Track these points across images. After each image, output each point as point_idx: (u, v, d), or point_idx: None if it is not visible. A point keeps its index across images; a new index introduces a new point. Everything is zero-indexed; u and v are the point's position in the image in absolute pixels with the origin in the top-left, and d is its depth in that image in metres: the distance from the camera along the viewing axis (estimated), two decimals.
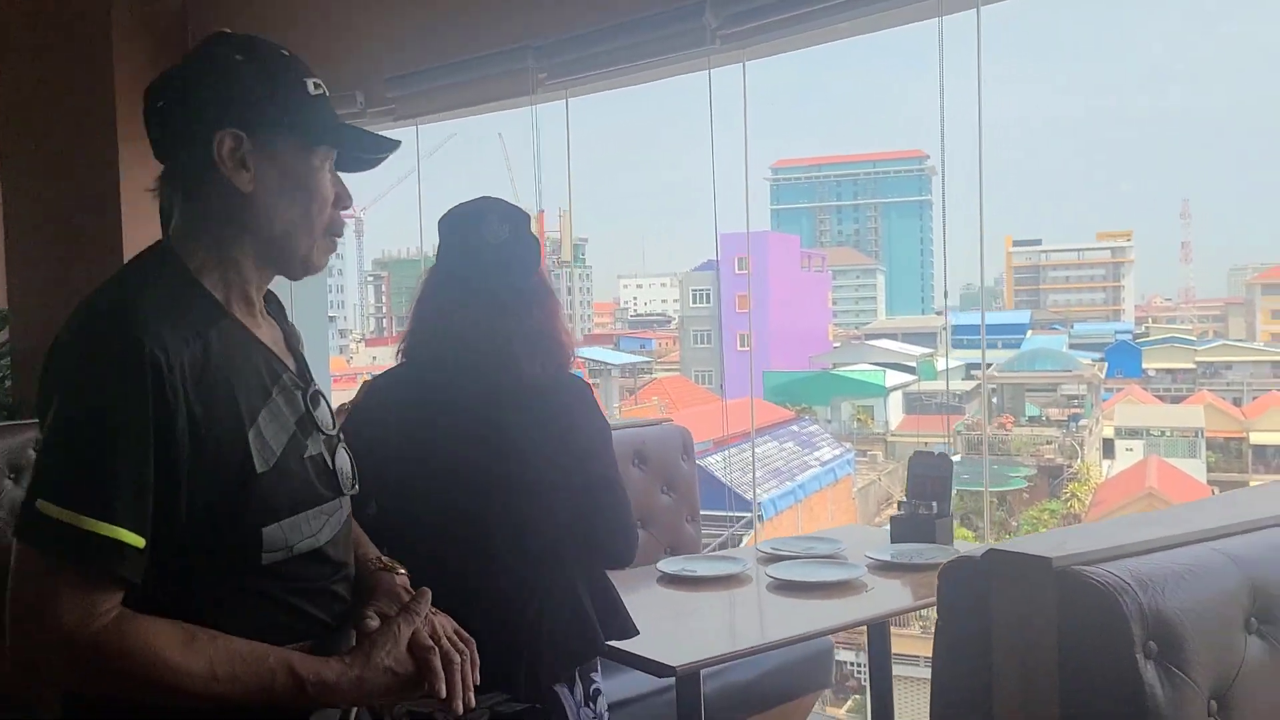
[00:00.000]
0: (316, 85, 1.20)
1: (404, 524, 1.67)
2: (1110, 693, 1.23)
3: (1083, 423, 30.08)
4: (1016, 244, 57.04)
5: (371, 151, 1.25)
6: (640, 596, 2.08)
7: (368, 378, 1.89)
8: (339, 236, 1.24)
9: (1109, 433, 30.17)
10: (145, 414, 1.03)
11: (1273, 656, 1.30)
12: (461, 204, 1.82)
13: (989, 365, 31.73)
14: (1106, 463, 28.43)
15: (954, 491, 2.60)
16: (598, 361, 33.42)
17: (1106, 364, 38.31)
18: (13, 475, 3.80)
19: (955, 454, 23.76)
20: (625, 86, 3.51)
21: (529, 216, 1.85)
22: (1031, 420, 30.82)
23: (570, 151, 3.69)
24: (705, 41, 3.01)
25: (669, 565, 2.48)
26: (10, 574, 1.00)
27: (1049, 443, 28.66)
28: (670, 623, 1.99)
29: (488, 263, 1.75)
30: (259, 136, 1.15)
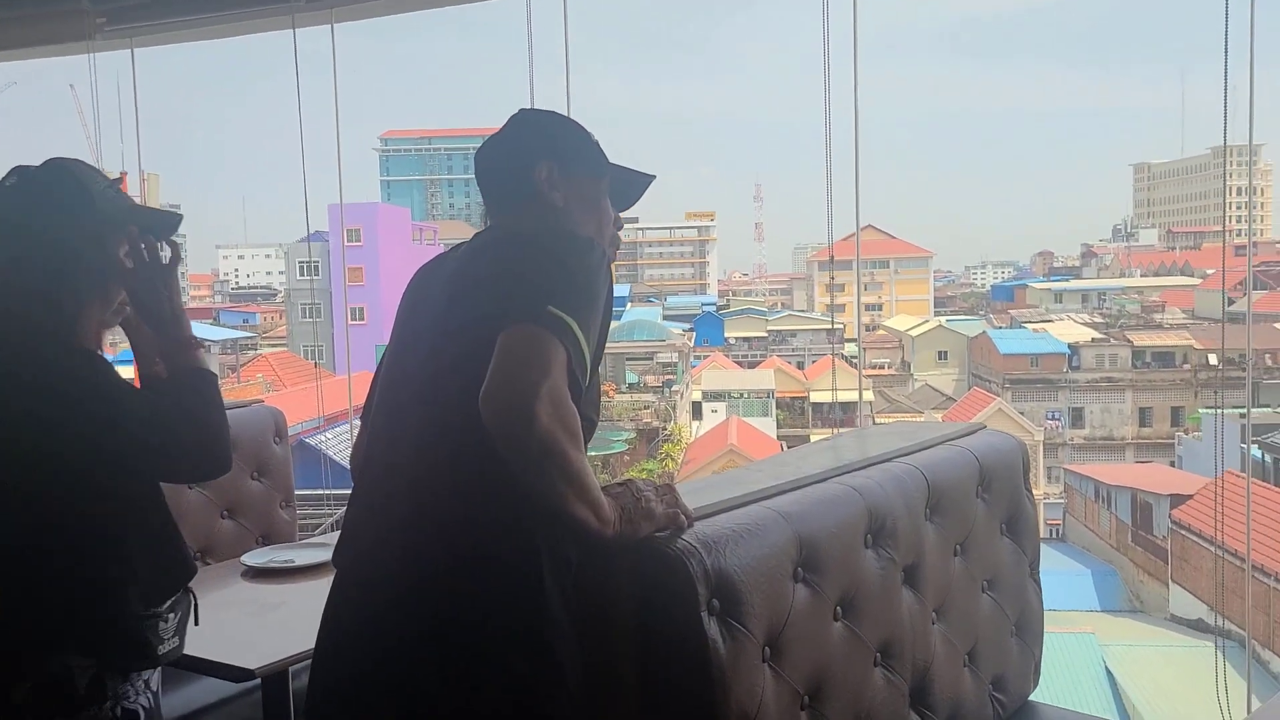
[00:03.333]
0: (593, 137, 1.62)
1: None
2: (679, 649, 1.32)
3: (675, 388, 32.53)
4: None
5: (635, 180, 1.66)
6: (220, 595, 1.93)
7: None
8: (618, 249, 1.67)
9: (697, 396, 32.91)
10: None
11: (815, 601, 1.47)
12: None
13: None
14: (695, 424, 30.99)
15: None
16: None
17: (695, 333, 41.69)
18: None
19: None
20: (202, 39, 3.21)
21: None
22: (631, 387, 32.81)
23: (140, 107, 3.33)
24: None
25: (255, 557, 2.33)
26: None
27: (647, 408, 30.70)
28: (253, 620, 1.87)
29: None
30: (564, 167, 1.57)
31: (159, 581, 1.57)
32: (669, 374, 34.10)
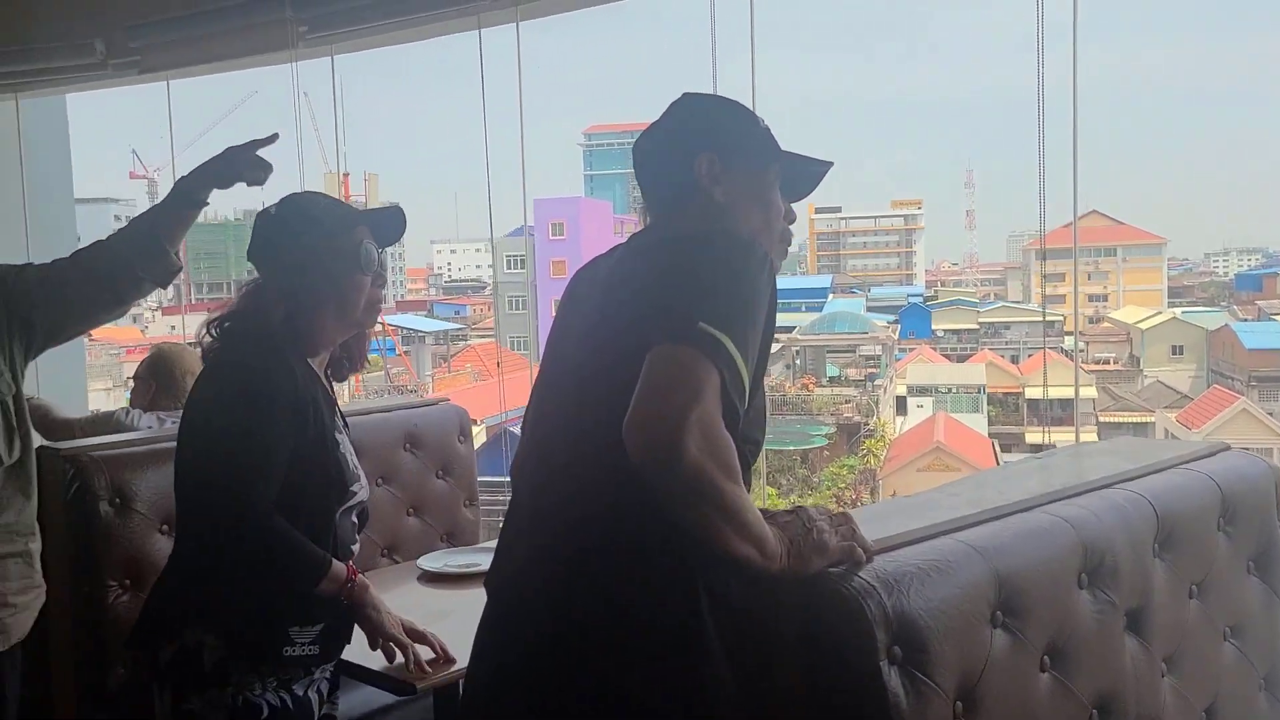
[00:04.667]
0: (762, 122, 1.50)
1: None
2: (855, 703, 1.17)
3: (878, 382, 31.66)
4: (818, 211, 59.17)
5: (810, 169, 1.52)
6: (394, 599, 1.92)
7: None
8: (789, 245, 1.54)
9: (902, 390, 31.86)
10: None
11: (1017, 649, 1.28)
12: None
13: (793, 328, 32.88)
14: (899, 419, 30.03)
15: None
16: (410, 329, 32.56)
17: (900, 325, 40.43)
18: None
19: None
20: (395, 44, 3.28)
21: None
22: (832, 380, 32.18)
23: (352, 111, 3.43)
24: None
25: (431, 561, 2.33)
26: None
27: (848, 401, 30.01)
28: (433, 625, 1.84)
29: None
30: (727, 159, 1.45)
31: (298, 585, 1.62)
32: (872, 367, 33.21)
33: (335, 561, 1.66)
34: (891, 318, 41.53)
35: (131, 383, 2.95)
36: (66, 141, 4.39)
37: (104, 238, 2.03)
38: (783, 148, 1.51)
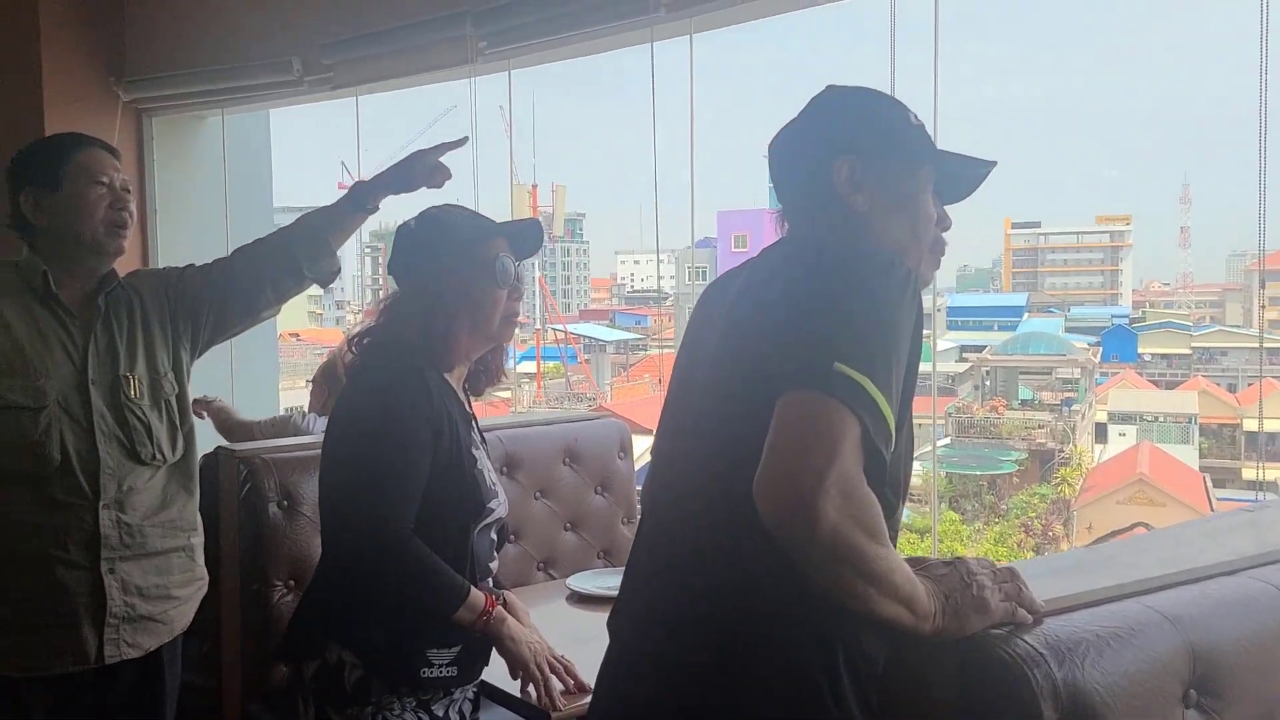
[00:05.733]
0: (915, 118, 1.35)
1: None
2: None
3: (1076, 407, 29.94)
4: (1015, 226, 56.73)
5: (969, 170, 1.36)
6: (541, 619, 1.89)
7: None
8: (941, 255, 1.37)
9: (1102, 417, 30.02)
10: None
11: None
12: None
13: (983, 348, 31.58)
14: (1099, 447, 28.29)
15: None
16: (592, 338, 33.20)
17: (1102, 348, 38.14)
18: None
19: (945, 437, 23.64)
20: (568, 58, 3.30)
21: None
22: (1024, 404, 30.67)
23: (540, 123, 3.47)
24: (649, 9, 2.79)
25: (581, 581, 2.29)
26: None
27: (1041, 427, 28.50)
28: (565, 652, 1.80)
29: None
30: (870, 162, 1.30)
31: (432, 613, 1.60)
32: (1069, 391, 31.44)
33: (474, 590, 1.64)
34: (1093, 339, 39.25)
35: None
36: (268, 154, 4.65)
37: (265, 236, 2.09)
38: (945, 149, 1.37)
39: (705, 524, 1.20)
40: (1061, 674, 1.04)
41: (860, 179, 1.29)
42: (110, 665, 1.87)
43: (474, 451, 1.72)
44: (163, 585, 1.93)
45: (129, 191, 1.93)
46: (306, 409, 3.04)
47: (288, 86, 3.79)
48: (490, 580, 1.77)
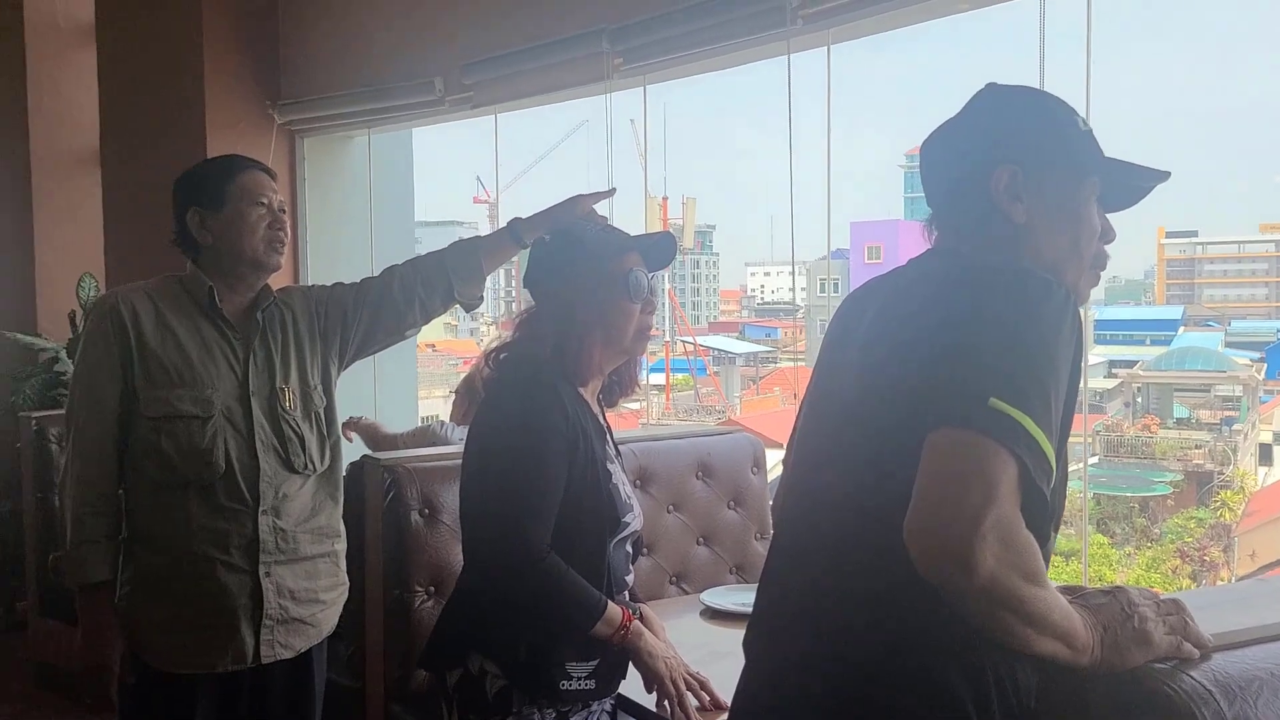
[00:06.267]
0: (1084, 123, 1.25)
1: None
2: None
3: (1237, 426, 28.22)
4: (1169, 235, 54.00)
5: (1140, 181, 1.27)
6: (674, 633, 1.88)
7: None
8: (1102, 270, 1.28)
9: (1267, 438, 28.21)
10: None
11: None
12: None
13: (1134, 363, 30.15)
14: (1263, 470, 26.58)
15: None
16: (721, 350, 33.14)
17: (1267, 364, 35.86)
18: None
19: (1094, 456, 22.63)
20: (703, 72, 3.29)
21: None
22: (1180, 423, 29.08)
23: (672, 137, 3.49)
24: (786, 22, 2.77)
25: (715, 597, 2.27)
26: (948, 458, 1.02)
27: (1198, 447, 26.96)
28: (697, 667, 1.78)
29: None
30: (1032, 171, 1.20)
31: (570, 628, 1.61)
32: (1229, 409, 29.67)
33: (611, 605, 1.64)
34: (1256, 355, 36.98)
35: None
36: (410, 171, 4.82)
37: (418, 257, 2.15)
38: (1112, 157, 1.26)
39: (844, 552, 1.15)
40: (1232, 713, 0.98)
41: (1021, 189, 1.20)
42: (266, 665, 1.95)
43: (609, 466, 1.72)
44: (311, 589, 2.01)
45: (285, 211, 2.03)
46: (447, 419, 3.12)
47: (430, 106, 3.91)
48: (627, 593, 1.77)
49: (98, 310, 1.94)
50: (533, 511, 1.59)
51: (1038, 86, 1.41)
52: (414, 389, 4.90)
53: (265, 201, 1.98)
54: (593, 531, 1.67)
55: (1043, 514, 1.04)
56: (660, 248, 1.81)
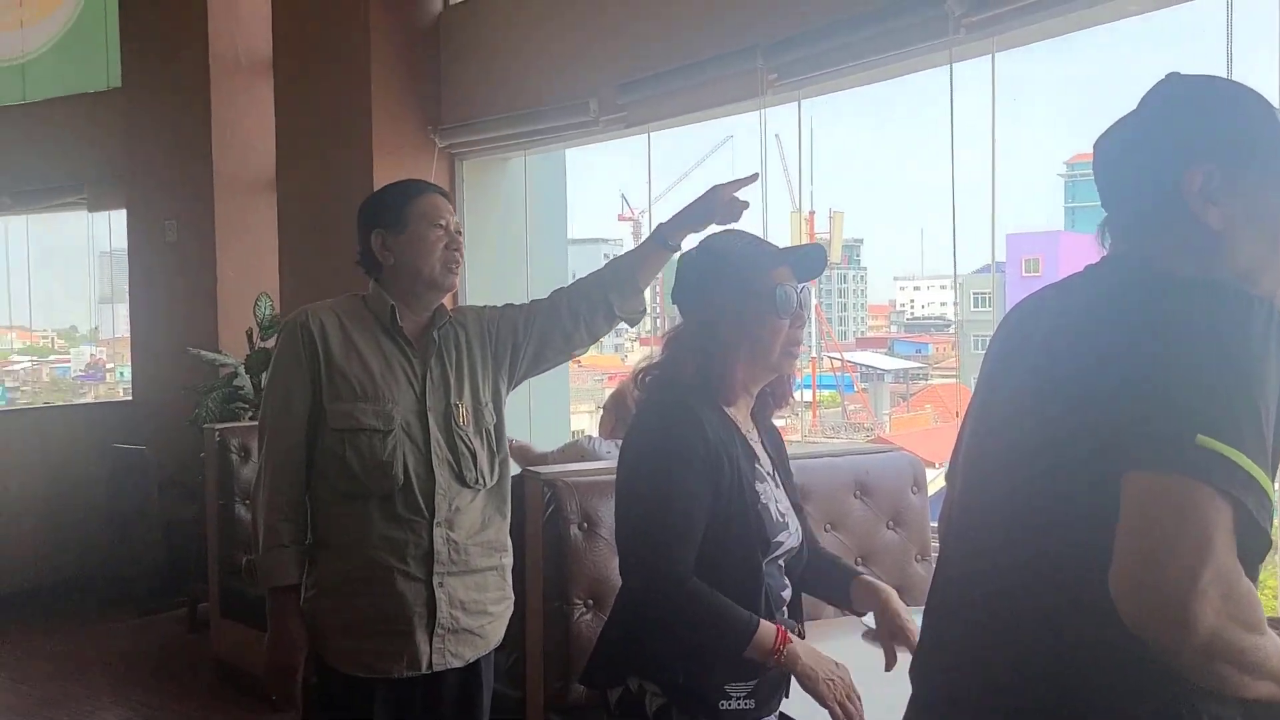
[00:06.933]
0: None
1: None
2: None
3: None
4: None
5: None
6: (836, 654, 1.84)
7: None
8: None
9: None
10: None
11: None
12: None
13: None
14: None
15: None
16: (869, 366, 32.49)
17: None
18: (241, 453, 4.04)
19: None
20: (860, 85, 3.25)
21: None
22: None
23: (822, 151, 3.46)
24: (949, 31, 2.71)
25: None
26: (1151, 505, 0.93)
27: None
28: (875, 689, 1.74)
29: None
30: (1228, 170, 1.09)
31: (720, 652, 1.60)
32: None
33: (764, 626, 1.60)
34: None
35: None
36: (564, 190, 4.93)
37: (582, 276, 2.19)
38: None
39: (1020, 596, 1.07)
40: None
41: (1217, 191, 1.07)
42: (438, 672, 2.01)
43: (758, 486, 1.69)
44: (480, 601, 2.07)
45: (460, 233, 2.10)
46: (594, 433, 3.17)
47: (585, 126, 4.00)
48: (785, 611, 1.75)
49: (289, 327, 2.04)
50: (671, 538, 1.57)
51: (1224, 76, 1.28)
52: (566, 404, 5.00)
53: (443, 224, 2.06)
54: (743, 553, 1.63)
55: (1262, 551, 0.96)
56: (809, 260, 1.75)
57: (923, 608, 1.28)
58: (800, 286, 1.73)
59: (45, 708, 4.08)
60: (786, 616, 1.76)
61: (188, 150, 5.69)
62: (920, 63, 2.96)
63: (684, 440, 1.61)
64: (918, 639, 1.32)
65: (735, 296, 1.67)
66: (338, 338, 2.01)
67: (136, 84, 6.06)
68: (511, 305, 2.20)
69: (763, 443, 1.79)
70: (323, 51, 4.83)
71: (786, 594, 1.76)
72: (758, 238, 1.85)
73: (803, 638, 1.71)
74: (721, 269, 1.70)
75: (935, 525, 2.95)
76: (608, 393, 3.66)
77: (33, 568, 5.42)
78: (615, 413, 3.05)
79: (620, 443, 2.84)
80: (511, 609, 2.19)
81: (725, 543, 1.62)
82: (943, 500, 1.33)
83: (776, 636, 1.60)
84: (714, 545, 1.61)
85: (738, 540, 1.64)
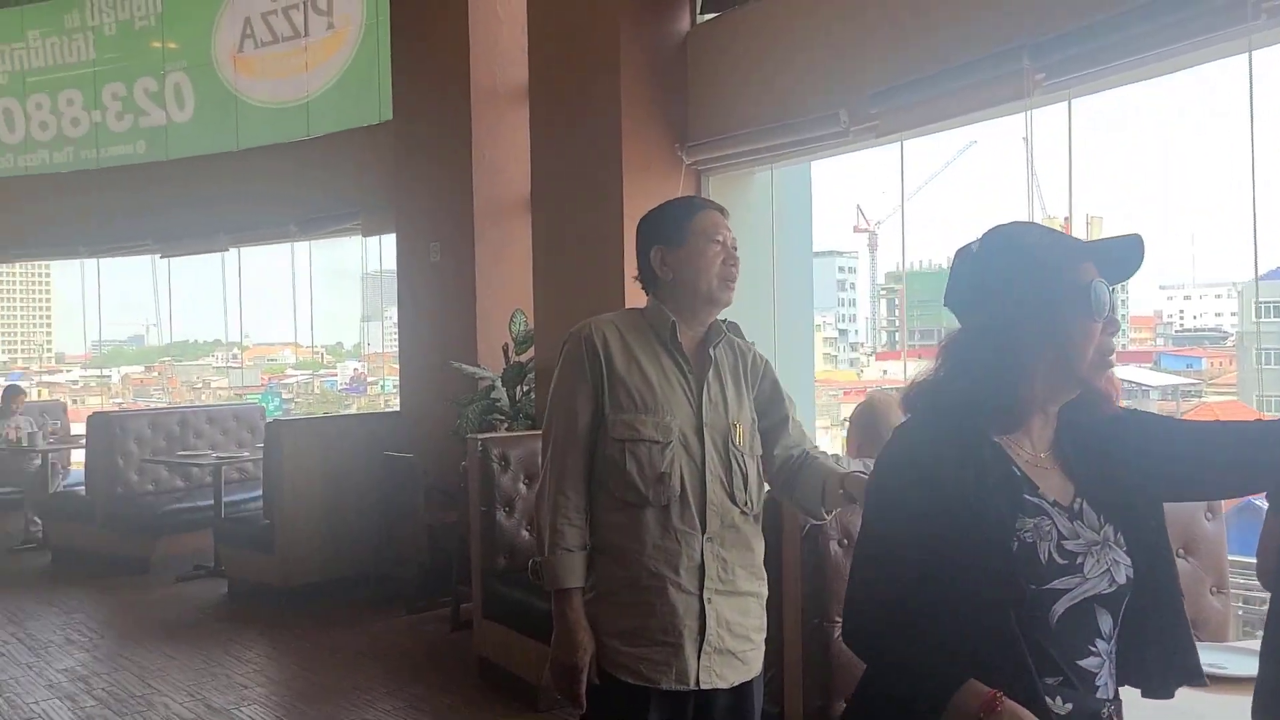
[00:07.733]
0: None
1: None
2: None
3: None
4: None
5: None
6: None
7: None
8: None
9: None
10: None
11: None
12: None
13: None
14: None
15: None
16: (1134, 382, 30.25)
17: None
18: (526, 480, 4.26)
19: None
20: (1139, 80, 3.02)
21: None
22: None
23: (1084, 153, 3.27)
24: (1247, 18, 2.48)
25: None
26: None
27: None
28: None
29: None
30: None
31: (910, 700, 1.42)
32: None
33: (966, 692, 1.34)
34: None
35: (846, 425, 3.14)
36: (809, 203, 4.88)
37: (816, 454, 2.15)
38: None
39: None
40: None
41: None
42: (706, 691, 2.01)
43: (1026, 521, 1.42)
44: (743, 625, 2.05)
45: (736, 249, 2.11)
46: (836, 450, 3.10)
47: (835, 138, 3.94)
48: (1071, 677, 1.41)
49: (574, 339, 2.09)
50: (880, 580, 1.43)
51: None
52: (812, 421, 4.93)
53: (721, 239, 2.07)
54: (985, 602, 1.39)
55: None
56: (1123, 254, 1.47)
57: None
58: (1110, 286, 1.47)
59: (331, 694, 4.43)
60: (1068, 685, 1.41)
61: (450, 176, 6.07)
62: (1213, 53, 2.72)
63: (937, 474, 1.41)
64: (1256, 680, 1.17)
65: (1038, 295, 1.43)
66: (619, 350, 2.05)
67: (405, 115, 6.52)
68: (779, 390, 2.17)
69: (1065, 469, 1.52)
70: (575, 77, 5.01)
71: (1090, 662, 1.43)
72: (1054, 229, 1.61)
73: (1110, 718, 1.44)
74: (1019, 262, 1.45)
75: (1234, 556, 2.68)
76: (843, 409, 3.56)
77: (316, 566, 5.91)
78: (859, 430, 2.97)
79: (868, 462, 2.77)
80: (764, 638, 2.16)
81: (966, 586, 1.40)
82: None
83: (979, 702, 1.33)
84: (953, 588, 1.39)
85: (987, 587, 1.39)
